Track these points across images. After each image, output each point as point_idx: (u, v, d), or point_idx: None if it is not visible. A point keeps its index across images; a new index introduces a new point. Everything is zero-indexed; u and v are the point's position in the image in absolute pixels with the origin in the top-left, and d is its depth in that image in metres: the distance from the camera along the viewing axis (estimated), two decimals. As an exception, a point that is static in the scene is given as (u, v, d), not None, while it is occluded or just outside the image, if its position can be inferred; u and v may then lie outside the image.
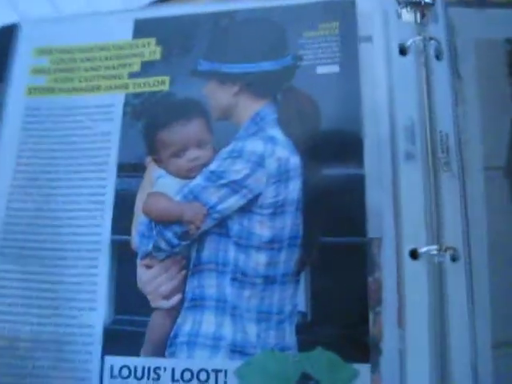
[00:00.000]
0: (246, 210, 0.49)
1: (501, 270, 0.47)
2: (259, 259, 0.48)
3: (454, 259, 0.47)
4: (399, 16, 0.54)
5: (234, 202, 0.49)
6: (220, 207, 0.49)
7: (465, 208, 0.48)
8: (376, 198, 0.48)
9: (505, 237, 0.48)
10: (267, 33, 0.55)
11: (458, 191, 0.49)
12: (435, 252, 0.47)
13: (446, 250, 0.47)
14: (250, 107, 0.52)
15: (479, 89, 0.52)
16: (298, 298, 0.48)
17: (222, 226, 0.49)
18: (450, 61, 0.52)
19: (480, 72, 0.52)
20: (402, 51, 0.53)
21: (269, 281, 0.48)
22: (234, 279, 0.48)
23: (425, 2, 0.54)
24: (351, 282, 0.47)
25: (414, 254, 0.47)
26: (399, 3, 0.54)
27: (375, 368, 0.45)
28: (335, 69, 0.51)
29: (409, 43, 0.53)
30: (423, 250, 0.47)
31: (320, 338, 0.46)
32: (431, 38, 0.52)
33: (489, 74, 0.52)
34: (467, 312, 0.46)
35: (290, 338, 0.47)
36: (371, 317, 0.46)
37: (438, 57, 0.52)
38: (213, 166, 0.50)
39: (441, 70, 0.52)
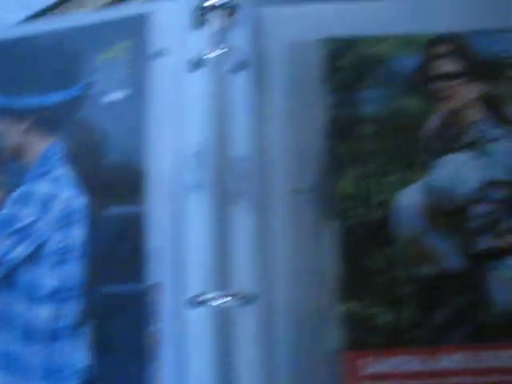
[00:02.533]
0: (32, 259, 0.47)
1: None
2: (42, 312, 0.46)
3: (245, 303, 0.42)
4: (198, 26, 0.48)
5: (22, 250, 0.47)
6: (9, 257, 0.47)
7: (264, 242, 0.44)
8: (157, 238, 0.44)
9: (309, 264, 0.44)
10: (58, 60, 0.51)
11: (252, 225, 0.44)
12: (220, 298, 0.42)
13: (234, 295, 0.42)
14: (38, 145, 0.49)
15: (289, 102, 0.47)
16: (81, 353, 0.45)
17: (9, 277, 0.47)
18: (254, 72, 0.46)
19: (291, 82, 0.47)
20: (196, 66, 0.47)
21: (53, 336, 0.45)
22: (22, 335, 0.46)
23: (229, 6, 0.48)
24: (131, 334, 0.44)
25: (196, 301, 0.43)
26: (200, 10, 0.48)
27: None
28: (119, 95, 0.48)
29: (203, 56, 0.47)
30: (206, 296, 0.42)
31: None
32: (231, 48, 0.46)
33: (300, 85, 0.47)
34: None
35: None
36: (152, 373, 0.43)
37: (236, 69, 0.46)
38: (3, 212, 0.48)
39: (239, 84, 0.46)
